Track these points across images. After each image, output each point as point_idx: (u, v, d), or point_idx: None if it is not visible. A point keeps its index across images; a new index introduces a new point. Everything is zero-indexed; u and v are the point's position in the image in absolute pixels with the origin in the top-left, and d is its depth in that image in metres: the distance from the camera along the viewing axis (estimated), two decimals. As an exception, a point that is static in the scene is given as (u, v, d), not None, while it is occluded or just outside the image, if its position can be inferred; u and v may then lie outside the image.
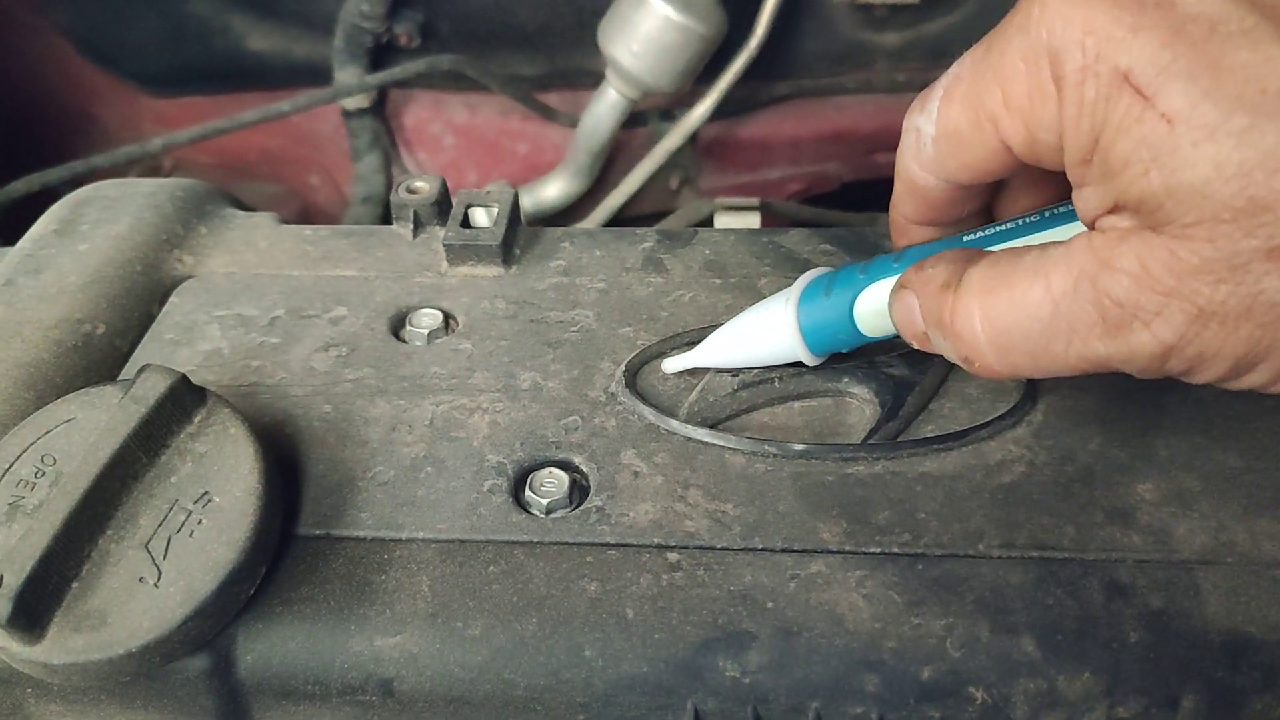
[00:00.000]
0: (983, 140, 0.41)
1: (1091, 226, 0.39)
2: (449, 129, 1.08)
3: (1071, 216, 0.43)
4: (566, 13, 0.98)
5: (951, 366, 0.51)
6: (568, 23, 0.98)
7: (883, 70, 0.99)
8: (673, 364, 0.52)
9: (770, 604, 0.43)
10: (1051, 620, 0.42)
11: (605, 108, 0.96)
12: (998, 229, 0.45)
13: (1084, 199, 0.39)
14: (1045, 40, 0.37)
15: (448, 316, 0.56)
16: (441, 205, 0.61)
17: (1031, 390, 0.50)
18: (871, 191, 1.10)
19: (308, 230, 0.62)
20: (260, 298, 0.58)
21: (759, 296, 0.56)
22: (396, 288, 0.58)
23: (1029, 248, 0.40)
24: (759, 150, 1.03)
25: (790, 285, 0.50)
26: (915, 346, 0.45)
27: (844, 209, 1.05)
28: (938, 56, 0.98)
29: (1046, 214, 0.44)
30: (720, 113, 1.00)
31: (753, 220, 0.88)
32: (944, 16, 0.96)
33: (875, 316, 0.47)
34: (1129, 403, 0.49)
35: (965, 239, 0.46)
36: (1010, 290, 0.40)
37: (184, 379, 0.46)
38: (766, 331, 0.50)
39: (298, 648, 0.44)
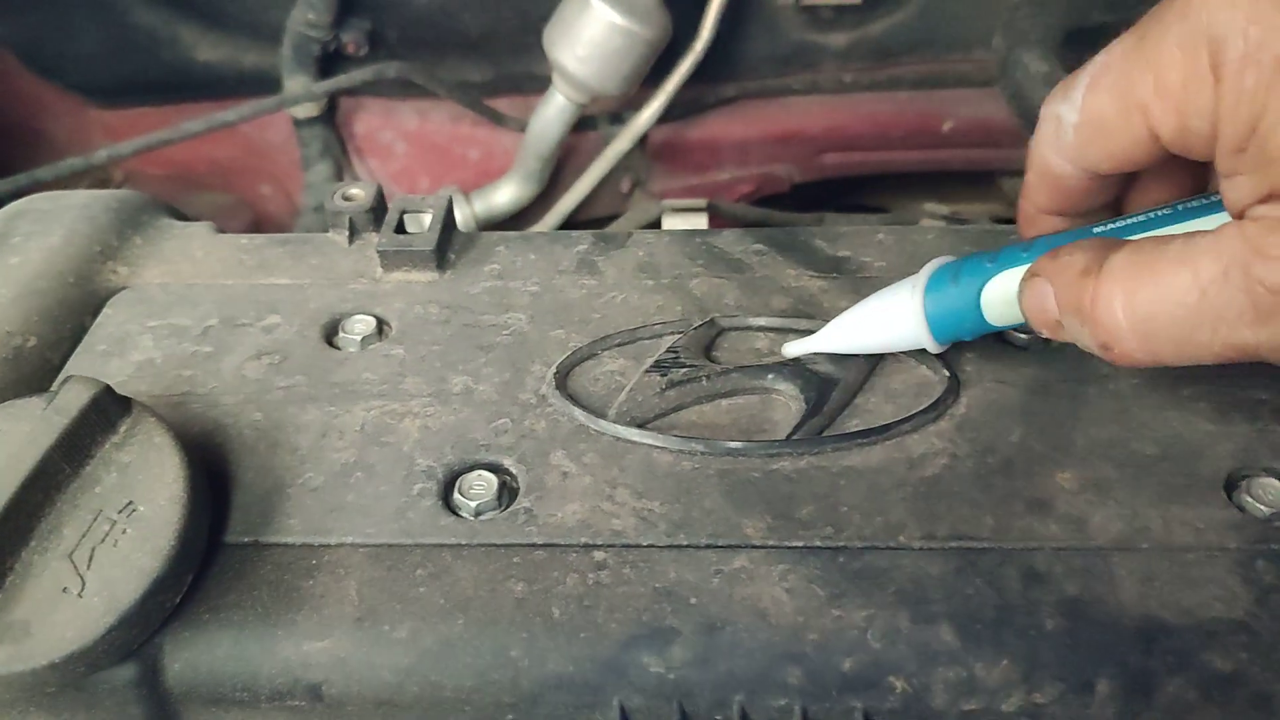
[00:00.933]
0: (1129, 128, 0.42)
1: (1240, 216, 0.39)
2: (400, 136, 1.08)
3: (1209, 210, 0.44)
4: (512, 18, 0.98)
5: (876, 362, 0.52)
6: (514, 28, 0.99)
7: (829, 71, 1.00)
8: (792, 348, 0.52)
9: (694, 600, 0.44)
10: (970, 609, 0.43)
11: (553, 112, 0.96)
12: (1131, 220, 0.46)
13: (1235, 188, 0.39)
14: (1205, 28, 0.38)
15: (381, 322, 0.56)
16: (377, 212, 0.62)
17: (954, 384, 0.51)
18: (826, 191, 1.11)
19: (244, 239, 0.62)
20: (194, 307, 0.58)
21: (691, 297, 0.56)
22: (331, 295, 0.58)
23: (1172, 236, 0.41)
24: (708, 152, 1.04)
25: (902, 276, 0.51)
26: (1044, 335, 0.45)
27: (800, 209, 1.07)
28: (883, 56, 0.99)
29: (1180, 207, 0.45)
30: (669, 115, 1.01)
31: (700, 221, 0.89)
32: (888, 16, 0.97)
33: (1003, 305, 0.47)
34: (1049, 395, 0.50)
35: (1096, 230, 0.46)
36: (1156, 277, 0.40)
37: (107, 389, 0.46)
38: (891, 318, 0.50)
39: (225, 654, 0.44)
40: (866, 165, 1.04)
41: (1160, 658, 0.42)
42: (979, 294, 0.48)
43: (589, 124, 1.02)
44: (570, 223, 1.04)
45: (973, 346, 0.53)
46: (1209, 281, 0.39)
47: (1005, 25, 0.80)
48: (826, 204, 1.14)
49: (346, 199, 0.62)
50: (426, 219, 0.60)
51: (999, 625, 0.43)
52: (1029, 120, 0.81)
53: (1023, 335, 0.53)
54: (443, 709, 0.44)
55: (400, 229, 0.60)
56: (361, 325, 0.56)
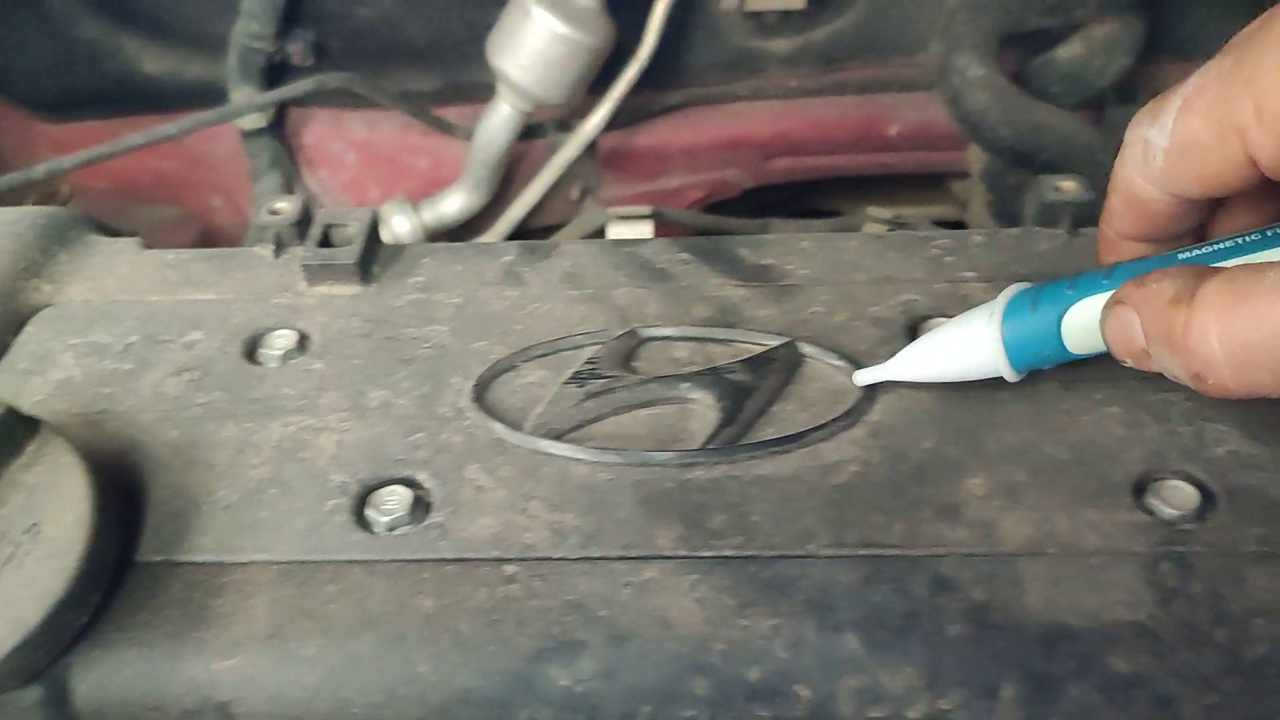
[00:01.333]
0: (1225, 152, 0.41)
1: None
2: (349, 146, 1.08)
3: None
4: (458, 27, 0.98)
5: (794, 370, 0.52)
6: (460, 37, 0.99)
7: (775, 77, 1.00)
8: (864, 376, 0.51)
9: (603, 612, 0.44)
10: (876, 617, 0.43)
11: (498, 121, 0.96)
12: (1219, 246, 0.45)
13: None
14: None
15: (303, 336, 0.56)
16: (303, 226, 0.61)
17: (870, 391, 0.51)
18: (780, 196, 1.12)
19: (170, 255, 0.62)
20: (116, 324, 0.57)
21: (614, 307, 0.57)
22: (254, 309, 0.58)
23: (1269, 264, 0.40)
24: (657, 159, 1.04)
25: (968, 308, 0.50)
26: (1129, 364, 0.45)
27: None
28: (828, 61, 0.99)
29: (1269, 233, 0.44)
30: (617, 122, 1.01)
31: (645, 229, 0.89)
32: (831, 22, 0.97)
33: (1084, 333, 0.46)
34: (963, 400, 0.50)
35: (1181, 256, 0.45)
36: (1253, 306, 0.39)
37: (10, 410, 0.45)
38: (968, 345, 0.49)
39: (133, 675, 0.44)
40: (815, 170, 1.04)
41: (1063, 662, 0.42)
42: (1059, 321, 0.47)
43: (537, 132, 1.02)
44: (521, 231, 1.04)
45: (889, 353, 0.53)
46: None
47: (943, 30, 0.81)
48: (780, 209, 1.14)
49: (273, 213, 0.62)
50: (351, 232, 0.60)
51: (904, 632, 0.43)
52: (968, 123, 0.82)
53: None
54: (352, 726, 0.44)
55: (326, 242, 0.60)
56: (283, 340, 0.56)
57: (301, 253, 0.60)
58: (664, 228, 0.94)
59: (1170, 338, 0.42)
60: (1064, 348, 0.47)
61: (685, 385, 0.51)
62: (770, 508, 0.47)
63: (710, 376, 0.52)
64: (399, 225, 1.01)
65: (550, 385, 0.53)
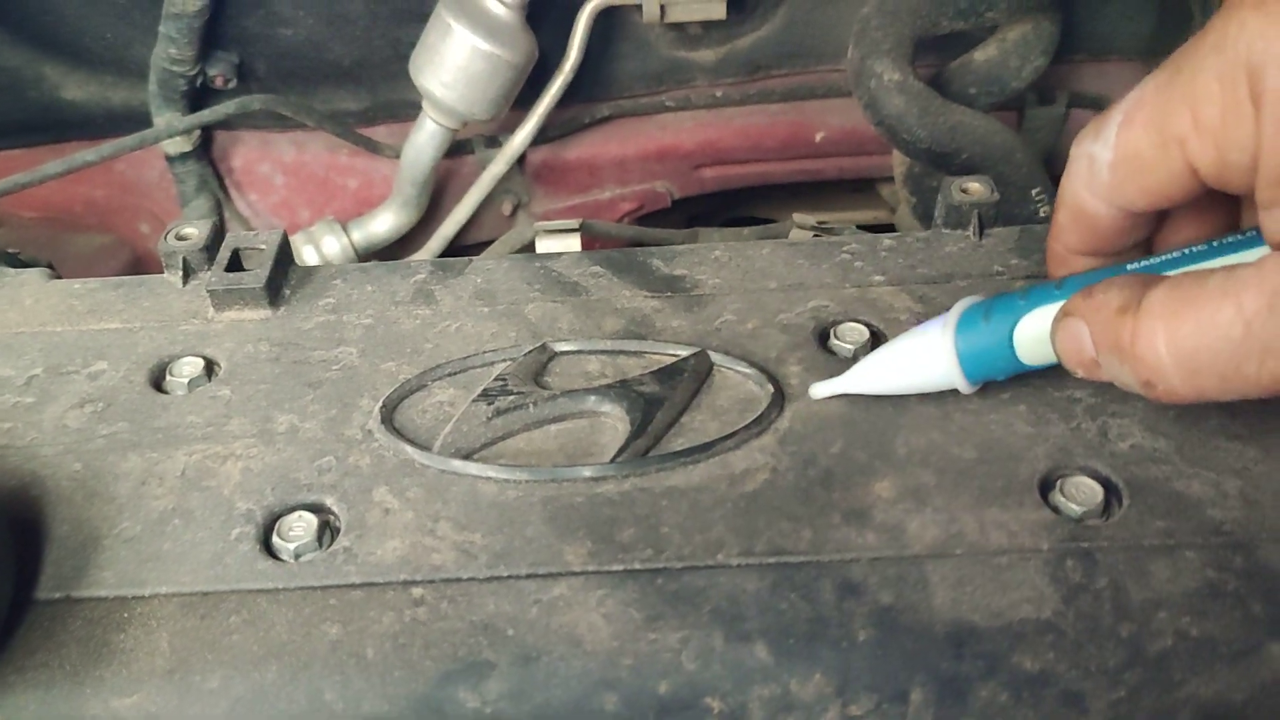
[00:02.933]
0: (1167, 164, 0.41)
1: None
2: (278, 168, 1.07)
3: (1246, 245, 0.43)
4: (383, 46, 0.98)
5: (704, 380, 0.52)
6: (385, 56, 0.98)
7: (701, 87, 1.01)
8: (821, 389, 0.51)
9: (511, 631, 0.43)
10: (784, 624, 0.43)
11: (424, 138, 0.96)
12: (1165, 257, 0.45)
13: (1276, 219, 0.39)
14: (1245, 58, 0.37)
15: (210, 363, 0.55)
16: (212, 250, 0.61)
17: (779, 398, 0.51)
18: (714, 205, 1.12)
19: (77, 284, 0.61)
20: (19, 357, 0.56)
21: (526, 322, 0.56)
22: (161, 338, 0.57)
23: (1211, 270, 0.40)
24: (586, 172, 1.04)
25: (938, 313, 0.50)
26: (1079, 375, 0.45)
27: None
28: (753, 70, 0.99)
29: (1215, 243, 0.44)
30: (545, 136, 1.01)
31: (573, 242, 0.88)
32: (754, 31, 0.97)
33: (1035, 344, 0.47)
34: (872, 405, 0.51)
35: (1129, 268, 0.45)
36: (1197, 312, 0.39)
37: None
38: (921, 358, 0.49)
39: (32, 716, 0.43)
40: (744, 178, 1.04)
41: (971, 662, 0.42)
42: (1011, 333, 0.47)
43: (465, 148, 1.02)
44: (454, 248, 1.04)
45: (798, 359, 0.53)
46: (1254, 314, 0.38)
47: (858, 35, 0.81)
48: (713, 218, 1.15)
49: (180, 238, 0.61)
50: (260, 256, 0.59)
51: (812, 639, 0.43)
52: (885, 128, 0.82)
53: (847, 345, 0.53)
54: (259, 758, 0.43)
55: (236, 266, 0.59)
56: (189, 368, 0.55)
57: (209, 278, 0.59)
58: (592, 240, 0.94)
59: (1119, 346, 0.42)
60: (1016, 359, 0.48)
61: (594, 399, 0.51)
62: (680, 519, 0.47)
63: (620, 389, 0.51)
64: (329, 246, 1.00)
65: (460, 404, 0.52)
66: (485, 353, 0.54)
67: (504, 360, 0.54)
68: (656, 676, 0.42)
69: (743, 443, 0.49)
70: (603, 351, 0.54)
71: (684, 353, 0.53)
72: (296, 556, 0.47)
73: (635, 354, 0.54)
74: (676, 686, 0.42)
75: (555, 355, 0.54)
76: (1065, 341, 0.45)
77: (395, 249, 1.05)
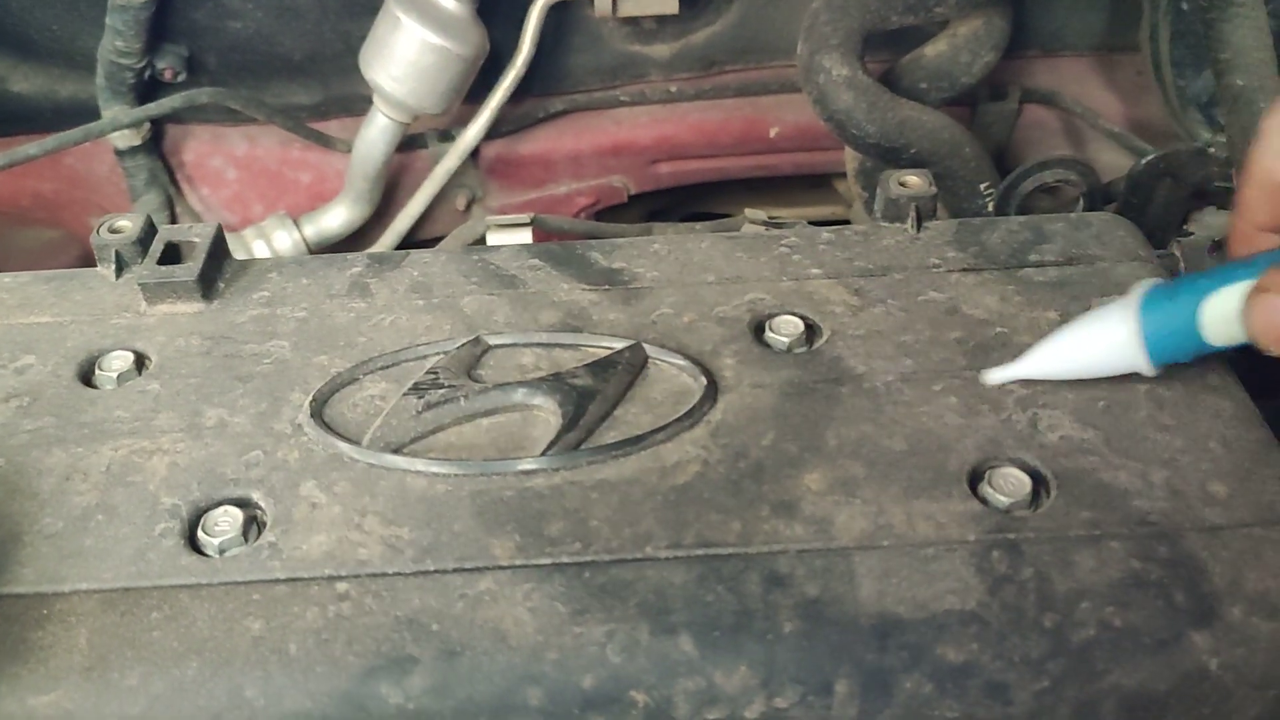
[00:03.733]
0: None
1: None
2: (230, 162, 1.06)
3: None
4: (334, 40, 0.97)
5: (637, 372, 0.52)
6: (337, 49, 0.97)
7: (656, 81, 1.00)
8: (996, 375, 0.50)
9: (435, 626, 0.43)
10: (710, 617, 0.43)
11: (375, 133, 0.95)
12: None
13: None
14: None
15: (141, 357, 0.55)
16: (146, 243, 0.60)
17: (712, 390, 0.51)
18: (672, 200, 1.12)
19: (7, 278, 0.60)
20: (-55, 352, 0.55)
21: (461, 315, 0.56)
22: (91, 331, 0.56)
23: None
24: (541, 166, 1.03)
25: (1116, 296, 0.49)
26: (1275, 353, 0.43)
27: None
28: (707, 65, 0.99)
29: None
30: (499, 131, 1.00)
31: (524, 237, 0.88)
32: (708, 26, 0.97)
33: (1223, 323, 0.45)
34: (805, 397, 0.50)
35: None
36: None
37: None
38: (1104, 340, 0.48)
39: (-54, 715, 0.42)
40: (700, 173, 1.04)
41: (895, 654, 0.42)
42: (1196, 312, 0.46)
43: (418, 142, 1.01)
44: (408, 243, 1.03)
45: (733, 352, 0.53)
46: None
47: (807, 30, 0.81)
48: (670, 214, 1.14)
49: (113, 231, 0.60)
50: (194, 249, 0.58)
51: (738, 632, 0.43)
52: (834, 123, 0.82)
53: (782, 338, 0.53)
54: (179, 755, 0.42)
55: (171, 259, 0.58)
56: (119, 362, 0.54)
57: (141, 271, 0.58)
58: (546, 236, 0.93)
59: None
60: (1202, 339, 0.46)
61: (526, 392, 0.51)
62: (609, 512, 0.46)
63: (552, 382, 0.51)
64: (280, 241, 0.99)
65: (391, 397, 0.52)
66: (419, 345, 0.54)
67: (437, 353, 0.53)
68: (581, 670, 0.42)
69: (674, 435, 0.49)
70: (537, 344, 0.54)
71: (619, 345, 0.53)
72: (221, 552, 0.46)
73: (570, 347, 0.53)
74: (601, 680, 0.42)
75: (489, 348, 0.54)
76: (1262, 318, 0.43)
77: (348, 244, 1.04)
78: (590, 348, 0.53)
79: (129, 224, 0.60)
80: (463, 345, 0.53)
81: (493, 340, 0.54)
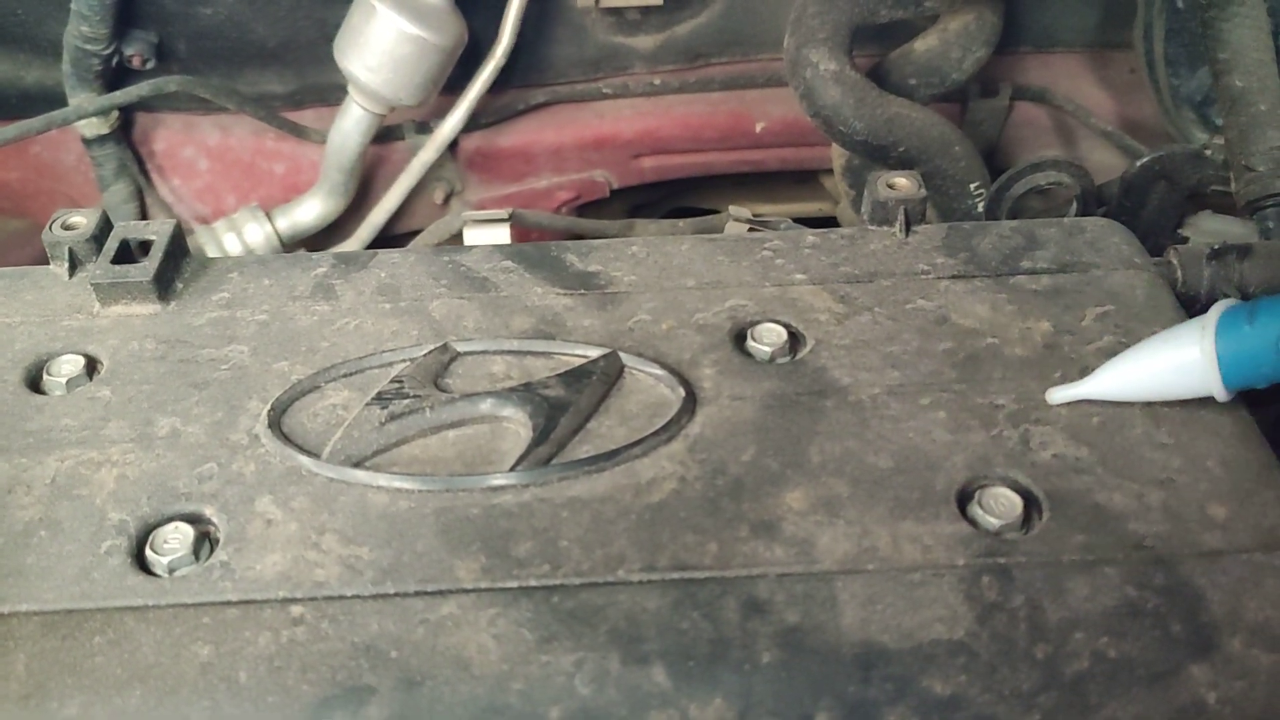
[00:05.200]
0: None
1: None
2: (202, 152, 1.03)
3: None
4: (308, 28, 0.94)
5: (611, 384, 0.50)
6: (312, 38, 0.95)
7: (639, 74, 0.98)
8: (1060, 394, 0.48)
9: (395, 653, 0.41)
10: (684, 646, 0.41)
11: (350, 124, 0.92)
12: None
13: None
14: None
15: (92, 362, 0.52)
16: (101, 240, 0.57)
17: (690, 403, 0.49)
18: (654, 195, 1.09)
19: (-43, 277, 0.58)
20: (-115, 353, 0.53)
21: (429, 320, 0.53)
22: (41, 333, 0.54)
23: None
24: (522, 160, 1.01)
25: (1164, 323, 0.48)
26: None
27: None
28: (692, 58, 0.97)
29: None
30: (479, 123, 0.97)
31: (502, 233, 0.85)
32: (693, 18, 0.95)
33: None
34: (788, 410, 0.48)
35: None
36: None
37: None
38: (1177, 362, 0.46)
39: (-127, 746, 0.40)
40: (684, 168, 1.02)
41: (879, 686, 0.40)
42: (1277, 336, 0.44)
43: (395, 134, 0.99)
44: (385, 237, 1.00)
45: (713, 361, 0.50)
46: None
47: (794, 23, 0.79)
48: (654, 209, 1.12)
49: (66, 228, 0.57)
50: (150, 247, 0.56)
51: (713, 662, 0.40)
52: (821, 118, 0.80)
53: (764, 347, 0.51)
54: (121, 789, 0.40)
55: (125, 258, 0.56)
56: (69, 366, 0.52)
57: (94, 270, 0.56)
58: (525, 231, 0.91)
59: None
60: None
61: (495, 403, 0.49)
62: (580, 532, 0.44)
63: (523, 393, 0.49)
64: (252, 234, 0.96)
65: (353, 407, 0.49)
66: (384, 352, 0.52)
67: (403, 360, 0.51)
68: (548, 702, 0.40)
69: (650, 450, 0.47)
70: (508, 352, 0.52)
71: (594, 354, 0.51)
72: (170, 571, 0.44)
73: (543, 354, 0.51)
74: (569, 713, 0.40)
75: (457, 356, 0.51)
76: None
77: (323, 237, 1.01)
78: (564, 356, 0.51)
79: (83, 220, 0.58)
80: (430, 352, 0.51)
81: (461, 347, 0.52)
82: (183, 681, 0.40)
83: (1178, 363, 0.47)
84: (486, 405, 0.49)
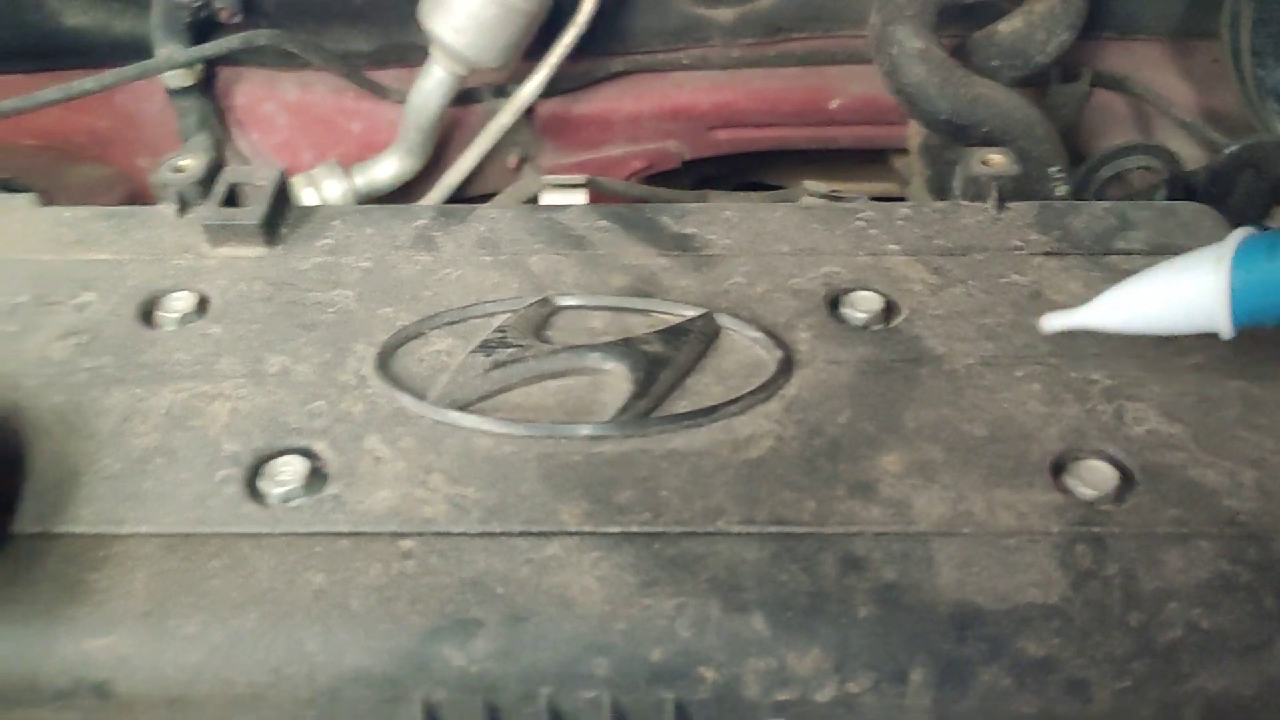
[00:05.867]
0: None
1: None
2: (282, 108, 1.04)
3: None
4: (395, -14, 0.95)
5: (710, 342, 0.51)
6: (398, -3, 0.96)
7: (719, 46, 0.98)
8: (1054, 320, 0.47)
9: (501, 590, 0.42)
10: (783, 597, 0.42)
11: (432, 85, 0.93)
12: None
13: None
14: None
15: (202, 299, 0.54)
16: (208, 184, 0.59)
17: (787, 364, 0.49)
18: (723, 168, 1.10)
19: (67, 213, 0.59)
20: (4, 284, 0.54)
21: (528, 274, 0.54)
22: (152, 271, 0.55)
23: None
24: (597, 127, 1.01)
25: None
26: None
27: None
28: (772, 31, 0.97)
29: None
30: (556, 89, 0.98)
31: (579, 198, 0.86)
32: (774, -8, 0.95)
33: None
34: (882, 376, 0.49)
35: None
36: None
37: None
38: (1185, 292, 0.44)
39: (4, 653, 0.41)
40: (757, 142, 1.02)
41: (974, 645, 0.41)
42: None
43: (473, 97, 1.00)
44: (456, 199, 1.01)
45: (808, 325, 0.51)
46: None
47: (881, 1, 0.79)
48: (721, 183, 1.12)
49: (176, 170, 0.59)
50: (258, 192, 0.57)
51: (812, 613, 0.41)
52: (904, 96, 0.80)
53: (859, 314, 0.51)
54: (237, 705, 0.42)
55: (231, 202, 0.57)
56: (180, 303, 0.53)
57: (204, 212, 0.57)
58: (599, 197, 0.92)
59: None
60: None
61: (597, 355, 0.50)
62: (680, 483, 0.45)
63: (624, 347, 0.50)
64: (330, 190, 0.97)
65: (458, 354, 0.50)
66: (486, 303, 0.53)
67: (505, 312, 0.52)
68: (650, 643, 0.41)
69: (747, 408, 0.48)
70: (607, 308, 0.53)
71: (691, 313, 0.52)
72: (283, 501, 0.45)
73: (641, 312, 0.52)
74: (670, 654, 0.41)
75: (558, 309, 0.52)
76: None
77: (397, 197, 1.02)
78: (661, 314, 0.52)
79: (192, 163, 0.59)
80: (531, 305, 0.52)
81: (562, 301, 0.53)
82: (297, 606, 0.42)
83: (1188, 292, 0.44)
84: (589, 357, 0.50)
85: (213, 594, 0.42)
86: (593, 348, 0.50)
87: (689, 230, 0.57)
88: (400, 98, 0.99)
